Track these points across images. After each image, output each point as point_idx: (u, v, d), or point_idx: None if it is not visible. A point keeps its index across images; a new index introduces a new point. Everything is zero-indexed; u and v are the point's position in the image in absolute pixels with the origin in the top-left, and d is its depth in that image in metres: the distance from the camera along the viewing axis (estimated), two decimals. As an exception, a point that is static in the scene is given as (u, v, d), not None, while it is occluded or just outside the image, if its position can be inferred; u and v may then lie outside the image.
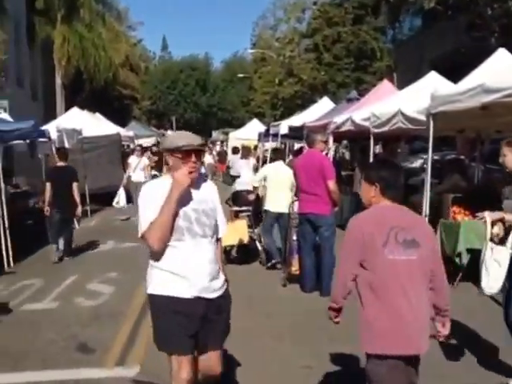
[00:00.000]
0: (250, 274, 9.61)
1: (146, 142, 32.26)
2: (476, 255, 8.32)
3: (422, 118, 9.35)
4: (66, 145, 16.21)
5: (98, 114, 25.84)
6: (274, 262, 9.68)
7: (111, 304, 7.95)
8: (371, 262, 3.58)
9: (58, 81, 37.01)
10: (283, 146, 24.06)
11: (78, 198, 11.16)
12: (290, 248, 8.64)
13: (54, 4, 36.50)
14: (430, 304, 3.71)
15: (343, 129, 13.12)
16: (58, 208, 10.92)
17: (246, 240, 10.19)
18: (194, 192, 3.91)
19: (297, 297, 8.17)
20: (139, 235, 3.87)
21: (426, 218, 8.93)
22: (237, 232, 10.02)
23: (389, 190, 3.74)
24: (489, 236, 5.10)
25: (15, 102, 25.62)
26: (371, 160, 11.55)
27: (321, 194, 7.83)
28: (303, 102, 38.42)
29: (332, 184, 7.84)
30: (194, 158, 3.79)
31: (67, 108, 29.31)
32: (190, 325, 3.88)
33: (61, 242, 11.13)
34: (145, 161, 17.61)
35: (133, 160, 17.50)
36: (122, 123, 33.44)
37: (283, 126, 20.43)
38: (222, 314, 4.06)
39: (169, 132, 51.35)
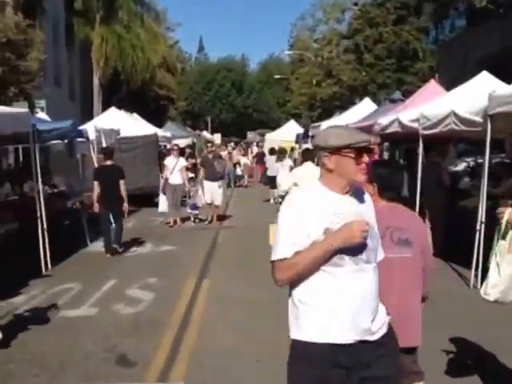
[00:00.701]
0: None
1: (183, 142, 32.14)
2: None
3: (478, 119, 8.84)
4: (104, 145, 16.04)
5: (135, 115, 25.80)
6: None
7: (151, 312, 7.61)
8: None
9: (96, 81, 37.13)
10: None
11: (125, 195, 11.62)
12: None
13: (92, 5, 36.68)
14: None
15: (389, 130, 12.60)
16: (107, 205, 11.45)
17: None
18: (354, 203, 3.03)
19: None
20: (271, 258, 2.88)
21: (483, 226, 8.45)
22: None
23: (385, 189, 3.94)
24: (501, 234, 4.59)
25: (53, 101, 25.74)
26: (419, 163, 11.06)
27: None
28: (342, 103, 37.88)
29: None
30: (366, 158, 2.95)
31: (104, 108, 29.34)
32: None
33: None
34: (182, 162, 16.23)
35: (170, 161, 15.96)
36: (159, 124, 33.35)
37: (323, 128, 19.88)
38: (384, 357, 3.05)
39: (204, 133, 51.40)
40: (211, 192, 15.53)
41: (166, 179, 15.66)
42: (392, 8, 33.35)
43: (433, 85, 14.85)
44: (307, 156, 10.66)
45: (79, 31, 36.00)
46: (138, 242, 12.91)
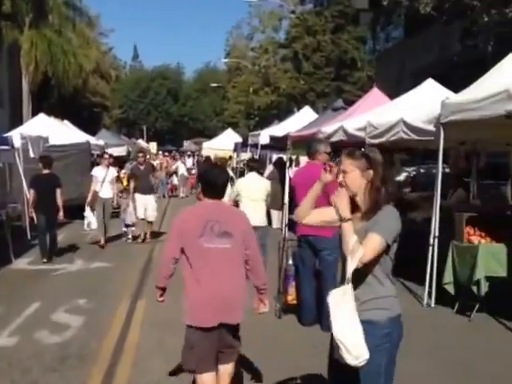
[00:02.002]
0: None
1: (117, 151, 31.08)
2: (496, 283, 7.48)
3: (428, 127, 8.46)
4: (31, 153, 15.05)
5: (66, 122, 24.71)
6: None
7: (80, 341, 6.74)
8: (190, 248, 4.30)
9: (25, 87, 35.65)
10: (258, 156, 23.15)
11: (60, 203, 11.72)
12: (286, 274, 7.57)
13: (21, 8, 35.20)
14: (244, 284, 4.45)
15: (334, 139, 12.13)
16: (43, 212, 11.64)
17: None
18: None
19: (294, 331, 7.13)
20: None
21: (436, 240, 8.03)
22: None
23: (208, 190, 4.51)
24: None
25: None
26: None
27: None
28: (279, 111, 37.57)
29: None
30: None
31: (34, 115, 28.01)
32: None
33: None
34: (113, 172, 14.21)
35: (98, 172, 13.89)
36: (93, 132, 32.25)
37: (263, 136, 19.44)
38: None
39: (140, 141, 50.33)
40: (144, 206, 14.03)
41: (95, 192, 13.56)
42: (330, 17, 33.24)
43: (375, 93, 14.52)
44: (252, 166, 10.45)
45: (7, 35, 34.50)
46: (67, 257, 12.01)
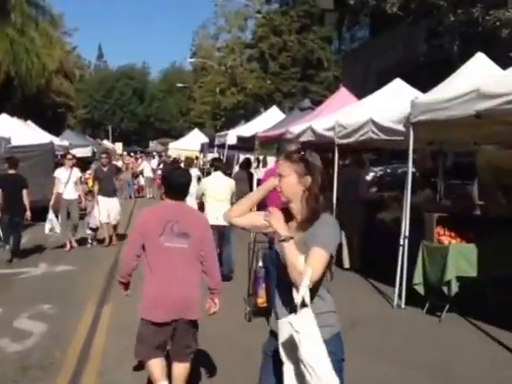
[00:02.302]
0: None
1: (82, 152, 30.60)
2: (466, 283, 7.46)
3: (398, 127, 8.41)
4: (-9, 154, 14.68)
5: (29, 122, 24.23)
6: None
7: (43, 349, 6.48)
8: (150, 246, 4.53)
9: (-13, 87, 34.89)
10: (226, 157, 23.01)
11: (27, 203, 11.80)
12: (256, 276, 7.43)
13: (-18, 7, 34.45)
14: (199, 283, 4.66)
15: (302, 139, 12.04)
16: (8, 212, 11.65)
17: None
18: None
19: (264, 335, 6.96)
20: None
21: (406, 240, 7.98)
22: None
23: (169, 191, 4.74)
24: None
25: None
26: (335, 173, 10.56)
27: None
28: (246, 112, 37.43)
29: None
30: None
31: (-3, 116, 27.37)
32: None
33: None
34: (77, 173, 13.61)
35: (61, 173, 13.38)
36: (57, 132, 31.72)
37: (230, 136, 19.30)
38: None
39: (105, 142, 49.71)
40: (107, 209, 13.47)
41: (59, 194, 13.09)
42: (296, 16, 33.19)
43: (343, 92, 14.50)
44: (217, 166, 10.65)
45: (-32, 34, 33.70)
46: (31, 260, 11.70)
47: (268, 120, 18.15)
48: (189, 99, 62.62)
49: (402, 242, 7.99)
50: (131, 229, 4.83)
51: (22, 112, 31.12)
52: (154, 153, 49.94)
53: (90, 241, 13.80)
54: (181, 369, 4.71)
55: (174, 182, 4.73)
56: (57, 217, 12.89)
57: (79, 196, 13.62)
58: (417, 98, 8.03)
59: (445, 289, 7.34)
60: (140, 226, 4.66)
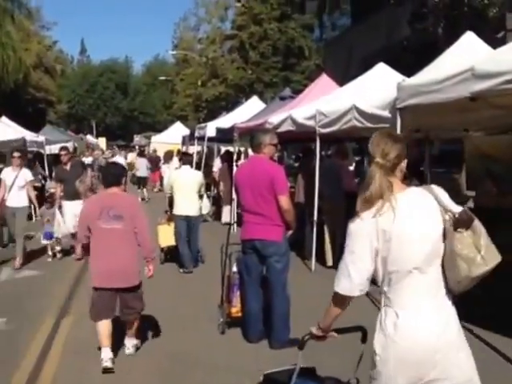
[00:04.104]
0: (180, 316, 7.63)
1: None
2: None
3: (383, 113, 7.69)
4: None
5: (4, 118, 23.36)
6: (185, 270, 10.18)
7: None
8: (92, 228, 5.62)
9: (-38, 83, 33.95)
10: (208, 149, 22.27)
11: None
12: (230, 283, 6.69)
13: (-45, 1, 33.44)
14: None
15: (282, 129, 11.32)
16: None
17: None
18: None
19: (238, 349, 6.24)
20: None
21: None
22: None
23: (104, 181, 5.99)
24: None
25: None
26: (317, 164, 9.83)
27: (270, 213, 5.92)
28: (228, 103, 36.66)
29: (285, 201, 5.94)
30: None
31: (-26, 112, 26.49)
32: None
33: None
34: (26, 174, 11.21)
35: (6, 174, 11.09)
36: (38, 128, 30.85)
37: (210, 128, 18.55)
38: None
39: (88, 136, 48.82)
40: (73, 215, 10.76)
41: (3, 201, 10.92)
42: (276, 4, 32.32)
43: (324, 79, 13.75)
44: (185, 160, 11.07)
45: None
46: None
47: (248, 110, 17.45)
48: (172, 92, 61.80)
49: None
50: (80, 216, 6.02)
51: (0, 108, 30.25)
52: (137, 146, 49.23)
53: (50, 253, 11.43)
54: (129, 325, 5.96)
55: (104, 173, 6.12)
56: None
57: (31, 203, 11.62)
58: (404, 80, 7.30)
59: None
60: (84, 213, 5.94)
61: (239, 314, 6.56)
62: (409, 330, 2.84)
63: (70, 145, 31.40)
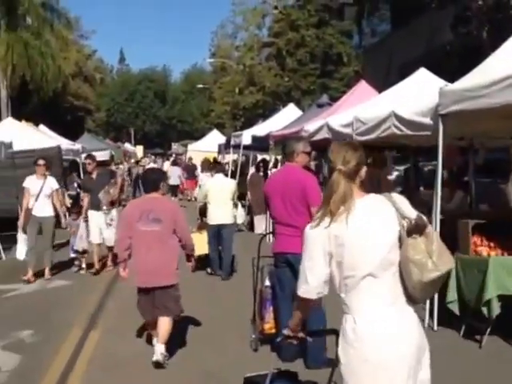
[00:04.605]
0: (211, 330, 7.34)
1: (98, 156, 29.87)
2: (510, 303, 6.33)
3: (424, 120, 7.30)
4: (-12, 159, 13.82)
5: (42, 126, 23.52)
6: (209, 271, 10.49)
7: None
8: (132, 231, 5.97)
9: (3, 92, 34.39)
10: (244, 158, 22.06)
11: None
12: (262, 297, 6.37)
13: (-5, 10, 33.99)
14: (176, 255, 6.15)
15: (318, 137, 11.01)
16: None
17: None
18: None
19: (272, 368, 5.90)
20: None
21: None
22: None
23: (144, 187, 6.60)
24: None
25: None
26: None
27: (303, 225, 5.59)
28: (265, 111, 36.40)
29: None
30: None
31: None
32: None
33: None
34: (52, 182, 10.78)
35: (31, 183, 10.65)
36: (76, 136, 31.14)
37: (245, 136, 18.35)
38: None
39: (126, 144, 49.13)
40: (99, 227, 10.91)
41: (27, 210, 10.51)
42: (313, 10, 31.92)
43: (363, 86, 13.41)
44: (218, 168, 11.26)
45: (-19, 38, 33.22)
46: (24, 274, 10.27)
47: (284, 118, 17.20)
48: (209, 100, 61.91)
49: (432, 254, 6.87)
50: (120, 217, 6.55)
51: (40, 117, 30.60)
52: (174, 154, 49.42)
53: (76, 262, 11.22)
54: (163, 321, 6.04)
55: (143, 179, 6.63)
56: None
57: (57, 214, 10.84)
58: (446, 85, 6.92)
59: (484, 309, 6.20)
60: (124, 216, 6.28)
61: (273, 331, 6.21)
62: (367, 336, 2.87)
63: (106, 153, 31.74)
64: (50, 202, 10.66)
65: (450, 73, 9.87)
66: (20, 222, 10.59)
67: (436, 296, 6.78)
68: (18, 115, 28.37)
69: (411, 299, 2.96)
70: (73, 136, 29.68)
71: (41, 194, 10.50)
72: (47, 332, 7.25)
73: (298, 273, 5.63)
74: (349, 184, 2.96)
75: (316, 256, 2.98)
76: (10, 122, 19.64)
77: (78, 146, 23.18)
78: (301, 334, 3.35)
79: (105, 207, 10.91)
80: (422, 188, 14.13)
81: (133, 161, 31.41)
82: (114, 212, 11.11)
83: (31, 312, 8.32)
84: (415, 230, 2.87)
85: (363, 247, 2.89)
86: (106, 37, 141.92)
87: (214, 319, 7.59)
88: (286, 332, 3.33)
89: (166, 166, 31.67)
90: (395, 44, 27.03)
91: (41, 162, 10.83)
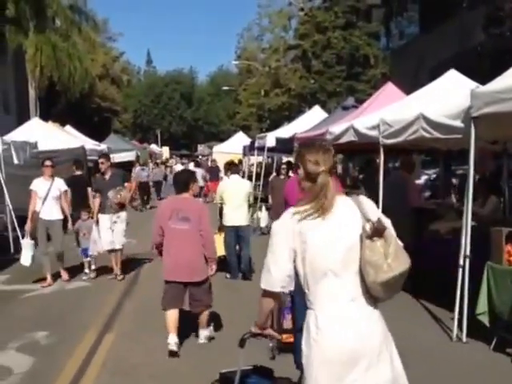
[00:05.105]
0: (227, 335, 7.12)
1: (126, 156, 29.96)
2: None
3: (454, 123, 7.00)
4: (15, 160, 13.77)
5: (68, 127, 23.60)
6: (228, 276, 10.34)
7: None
8: (164, 228, 6.44)
9: (32, 93, 34.67)
10: (270, 160, 21.86)
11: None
12: (280, 305, 6.13)
13: (25, 12, 34.17)
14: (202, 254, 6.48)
15: (343, 140, 10.73)
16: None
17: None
18: None
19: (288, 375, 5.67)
20: None
21: (467, 261, 6.56)
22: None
23: (175, 187, 6.75)
24: None
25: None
26: (381, 177, 9.18)
27: None
28: (291, 113, 36.12)
29: None
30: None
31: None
32: None
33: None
34: (60, 184, 10.23)
35: (39, 184, 10.05)
36: (102, 137, 31.30)
37: (270, 138, 18.15)
38: None
39: (152, 146, 49.28)
40: (110, 231, 10.26)
41: (35, 213, 9.94)
42: (340, 12, 31.53)
43: (390, 88, 13.06)
44: (233, 169, 11.01)
45: (11, 40, 33.42)
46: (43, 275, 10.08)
47: (309, 120, 16.96)
48: (235, 102, 61.85)
49: (461, 263, 6.55)
50: (155, 215, 6.74)
51: (67, 118, 30.77)
52: (201, 156, 49.48)
53: (87, 271, 10.61)
54: (200, 315, 6.61)
55: (174, 180, 6.86)
56: (35, 243, 10.00)
57: (65, 216, 10.32)
58: (478, 86, 6.62)
59: (516, 322, 5.90)
60: (158, 214, 6.68)
61: (291, 340, 5.98)
62: (327, 330, 2.96)
63: (132, 154, 31.82)
64: (58, 205, 10.13)
65: (481, 75, 9.54)
66: (27, 226, 9.98)
67: (465, 306, 6.51)
68: (47, 116, 28.63)
69: (373, 297, 3.05)
70: (100, 137, 29.83)
71: (48, 197, 9.94)
72: (62, 334, 7.12)
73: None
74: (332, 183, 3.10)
75: (280, 250, 3.07)
76: (36, 122, 19.72)
77: (103, 146, 23.27)
78: (269, 331, 3.44)
79: (112, 207, 10.16)
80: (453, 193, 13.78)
81: (150, 163, 31.37)
82: (122, 214, 10.36)
83: (48, 313, 8.20)
84: (375, 232, 2.97)
85: (324, 245, 3.00)
86: (133, 39, 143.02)
87: (230, 324, 7.32)
88: (253, 329, 3.38)
89: (191, 167, 31.65)
90: (424, 46, 26.59)
91: (48, 162, 10.23)
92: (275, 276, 3.07)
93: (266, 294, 3.15)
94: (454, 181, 15.19)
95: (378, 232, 2.98)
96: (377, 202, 9.11)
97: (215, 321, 7.13)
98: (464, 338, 6.56)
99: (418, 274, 8.75)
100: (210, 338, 6.66)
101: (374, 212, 3.13)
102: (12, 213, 12.45)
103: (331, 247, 2.99)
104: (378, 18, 32.57)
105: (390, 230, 3.08)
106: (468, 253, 6.50)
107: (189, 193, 6.59)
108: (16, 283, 9.99)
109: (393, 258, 2.95)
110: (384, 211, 8.89)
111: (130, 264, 11.43)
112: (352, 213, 3.07)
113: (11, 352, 6.52)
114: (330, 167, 3.09)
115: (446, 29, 23.30)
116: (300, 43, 34.36)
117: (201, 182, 25.58)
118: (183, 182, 6.61)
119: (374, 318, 3.04)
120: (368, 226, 2.99)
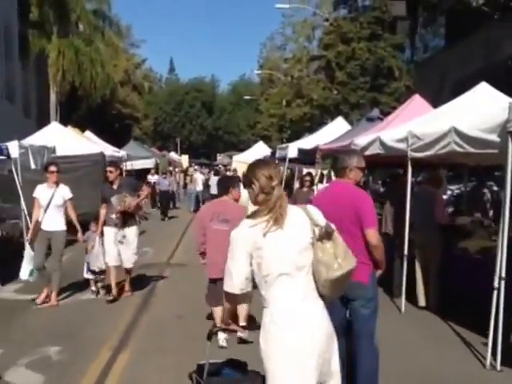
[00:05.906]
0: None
1: (143, 163, 29.90)
2: None
3: (490, 137, 6.65)
4: (32, 164, 13.59)
5: (88, 133, 23.50)
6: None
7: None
8: (206, 229, 7.04)
9: (53, 97, 34.74)
10: (289, 171, 21.52)
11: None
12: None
13: (48, 16, 34.33)
14: None
15: (369, 152, 10.38)
16: None
17: None
18: None
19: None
20: None
21: (502, 283, 6.19)
22: None
23: (218, 190, 7.66)
24: None
25: (3, 118, 23.49)
26: (408, 191, 8.83)
27: (354, 249, 4.93)
28: (312, 124, 35.75)
29: (374, 235, 5.00)
30: None
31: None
32: None
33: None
34: (64, 191, 9.31)
35: (41, 192, 9.25)
36: (123, 143, 31.27)
37: (291, 149, 17.86)
38: None
39: (171, 153, 49.18)
40: (116, 246, 9.44)
41: (37, 223, 9.17)
42: (366, 23, 31.21)
43: (417, 100, 12.69)
44: (243, 182, 10.24)
45: (34, 44, 33.60)
46: (62, 285, 9.69)
47: (332, 132, 16.65)
48: (256, 112, 61.63)
49: (496, 285, 6.18)
50: (196, 218, 7.59)
51: (88, 123, 30.77)
52: (220, 165, 49.32)
53: (93, 288, 9.89)
54: (241, 306, 6.87)
55: (218, 185, 7.66)
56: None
57: (74, 227, 9.42)
58: (516, 100, 6.27)
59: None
60: (200, 216, 7.41)
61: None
62: (282, 323, 3.30)
63: (151, 161, 31.74)
64: (62, 215, 9.26)
65: (510, 89, 9.18)
66: (28, 236, 9.33)
67: (500, 333, 6.13)
68: (67, 121, 28.61)
69: (321, 295, 3.44)
70: (120, 143, 29.77)
71: (50, 205, 9.10)
72: (75, 350, 6.83)
73: (349, 302, 5.12)
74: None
75: (238, 256, 3.42)
76: (55, 126, 19.59)
77: (122, 152, 23.17)
78: (233, 327, 4.04)
79: (114, 215, 9.30)
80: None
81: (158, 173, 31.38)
82: (127, 230, 9.46)
83: (60, 326, 7.94)
84: (325, 235, 3.42)
85: (280, 250, 3.36)
86: (156, 46, 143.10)
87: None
88: (219, 324, 3.86)
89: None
90: (449, 59, 26.18)
91: (52, 168, 9.31)
92: (235, 280, 3.41)
93: (229, 295, 3.50)
94: (489, 195, 14.74)
95: (327, 235, 3.42)
96: (403, 217, 8.77)
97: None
98: (498, 366, 6.17)
99: (446, 293, 8.48)
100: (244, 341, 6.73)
101: (321, 218, 3.54)
102: (27, 218, 12.24)
103: (285, 252, 3.35)
104: (403, 30, 32.17)
105: (336, 233, 3.52)
106: (504, 274, 6.14)
107: (228, 196, 7.21)
108: (29, 293, 9.64)
109: (342, 258, 3.43)
110: (411, 227, 8.60)
111: (145, 276, 11.16)
112: (302, 220, 3.45)
113: (21, 369, 6.23)
114: (280, 181, 3.53)
115: (471, 42, 22.89)
116: (324, 53, 34.06)
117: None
118: (223, 186, 7.33)
119: (324, 315, 3.41)
120: (318, 231, 3.41)
